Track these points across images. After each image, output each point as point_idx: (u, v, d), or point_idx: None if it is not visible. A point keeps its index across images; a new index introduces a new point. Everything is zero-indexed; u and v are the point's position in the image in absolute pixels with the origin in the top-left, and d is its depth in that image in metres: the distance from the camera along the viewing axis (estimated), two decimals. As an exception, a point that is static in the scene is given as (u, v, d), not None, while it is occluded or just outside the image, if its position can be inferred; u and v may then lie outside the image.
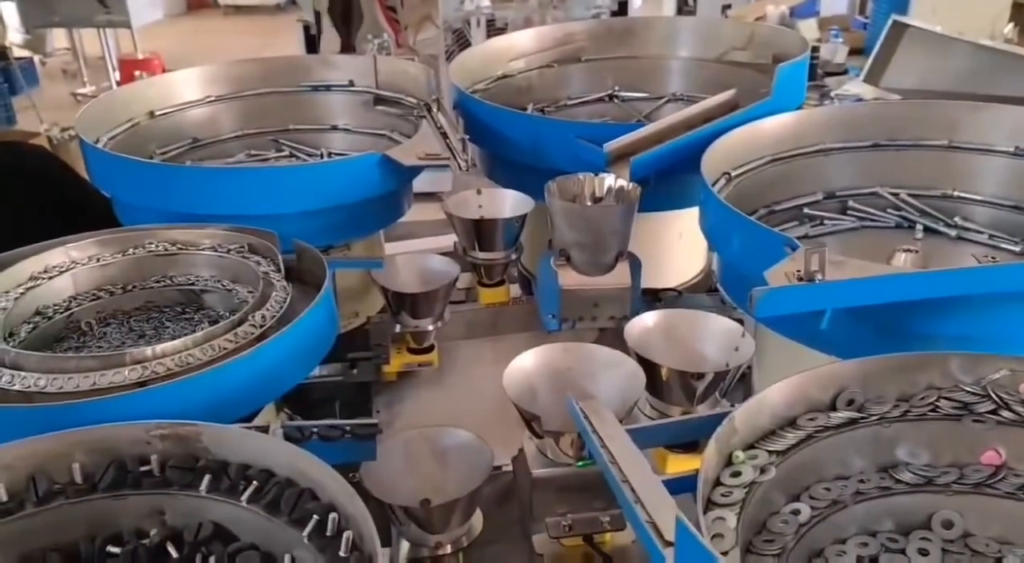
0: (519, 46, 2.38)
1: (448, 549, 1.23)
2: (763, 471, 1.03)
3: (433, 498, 1.19)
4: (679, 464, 1.27)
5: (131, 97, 2.04)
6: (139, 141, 1.98)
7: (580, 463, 1.21)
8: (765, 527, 1.03)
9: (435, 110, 1.93)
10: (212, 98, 2.16)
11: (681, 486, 1.03)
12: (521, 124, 1.95)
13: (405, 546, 1.24)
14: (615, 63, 2.44)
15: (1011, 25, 5.83)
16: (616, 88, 2.41)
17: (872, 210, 1.81)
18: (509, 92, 2.29)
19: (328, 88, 2.23)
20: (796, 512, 1.05)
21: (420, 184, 1.73)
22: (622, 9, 5.75)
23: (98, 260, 1.55)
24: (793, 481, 1.08)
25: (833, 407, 1.12)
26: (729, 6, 6.84)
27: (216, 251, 1.57)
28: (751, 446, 1.07)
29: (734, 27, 2.42)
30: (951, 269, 1.21)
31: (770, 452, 1.06)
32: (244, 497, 1.01)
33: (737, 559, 0.91)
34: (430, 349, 1.80)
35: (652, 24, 2.49)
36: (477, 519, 1.26)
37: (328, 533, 0.94)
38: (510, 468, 1.39)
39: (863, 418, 1.11)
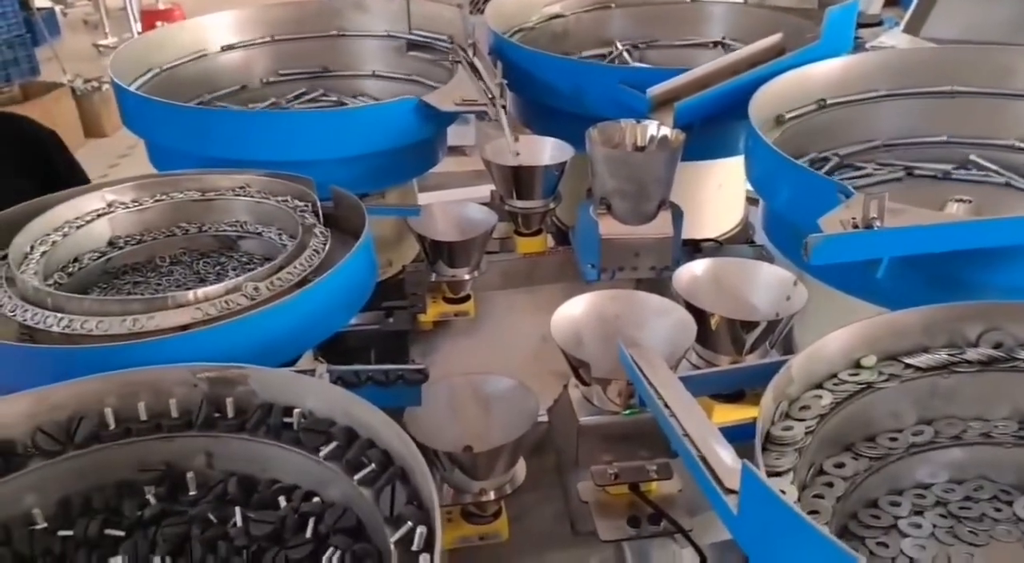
0: (555, -9, 2.31)
1: (491, 496, 1.23)
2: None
3: (476, 444, 1.18)
4: (725, 414, 1.25)
5: (161, 42, 2.01)
6: (176, 85, 1.95)
7: (627, 411, 1.19)
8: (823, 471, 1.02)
9: (472, 55, 1.88)
10: (251, 42, 2.13)
11: (735, 434, 1.00)
12: (562, 69, 1.89)
13: (448, 492, 1.23)
14: (655, 9, 2.37)
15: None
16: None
17: (931, 161, 1.74)
18: (546, 38, 2.23)
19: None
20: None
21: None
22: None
23: (136, 205, 1.53)
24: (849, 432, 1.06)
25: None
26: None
27: (254, 197, 1.55)
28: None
29: (777, -30, 2.33)
30: (1016, 216, 1.16)
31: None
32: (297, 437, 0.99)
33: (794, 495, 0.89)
34: (466, 299, 1.78)
35: (690, -33, 2.40)
36: (521, 467, 1.25)
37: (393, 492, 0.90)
38: (545, 419, 1.38)
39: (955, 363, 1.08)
